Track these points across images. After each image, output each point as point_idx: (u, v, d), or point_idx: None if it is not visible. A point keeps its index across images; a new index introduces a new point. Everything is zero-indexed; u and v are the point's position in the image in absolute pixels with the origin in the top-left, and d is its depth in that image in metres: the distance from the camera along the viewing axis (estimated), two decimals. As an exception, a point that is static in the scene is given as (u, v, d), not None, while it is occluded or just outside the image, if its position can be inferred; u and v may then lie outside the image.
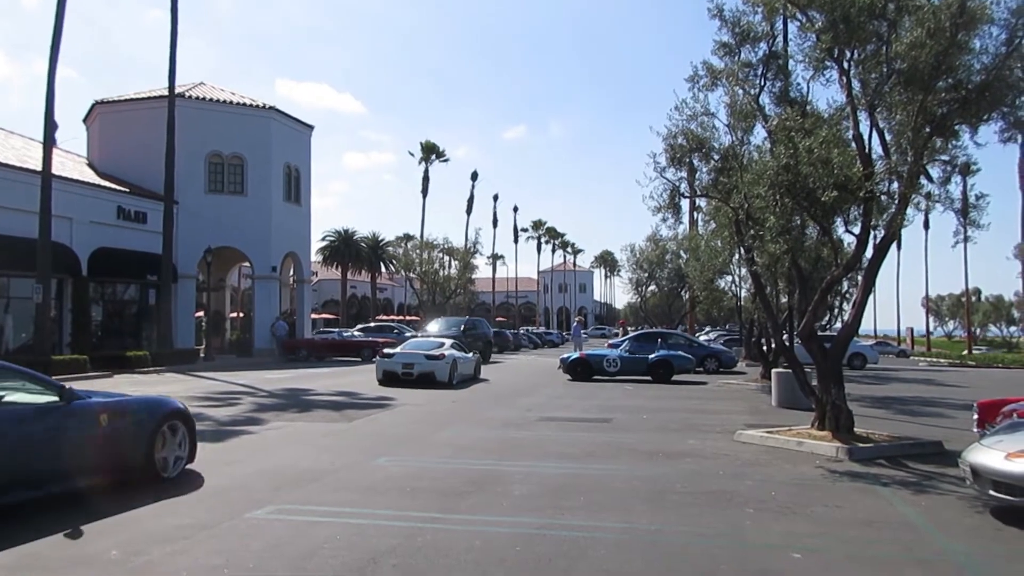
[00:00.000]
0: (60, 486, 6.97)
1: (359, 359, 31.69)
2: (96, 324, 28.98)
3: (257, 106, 35.78)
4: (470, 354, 23.52)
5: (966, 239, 12.77)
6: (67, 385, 7.29)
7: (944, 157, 11.09)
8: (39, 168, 22.75)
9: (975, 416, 10.15)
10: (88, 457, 7.24)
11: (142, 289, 31.57)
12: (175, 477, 8.06)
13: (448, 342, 22.79)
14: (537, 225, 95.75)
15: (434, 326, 33.60)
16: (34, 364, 20.26)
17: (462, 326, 32.57)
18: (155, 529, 6.28)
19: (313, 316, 45.95)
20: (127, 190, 30.86)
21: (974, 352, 54.13)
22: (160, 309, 28.71)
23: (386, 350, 22.06)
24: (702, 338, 39.59)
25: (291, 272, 40.38)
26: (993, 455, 6.96)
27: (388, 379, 20.60)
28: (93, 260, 28.06)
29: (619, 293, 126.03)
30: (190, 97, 33.38)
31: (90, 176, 31.10)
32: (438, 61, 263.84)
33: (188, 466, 8.34)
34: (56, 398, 7.05)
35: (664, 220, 13.43)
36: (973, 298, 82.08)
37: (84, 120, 36.69)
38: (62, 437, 6.97)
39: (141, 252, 29.89)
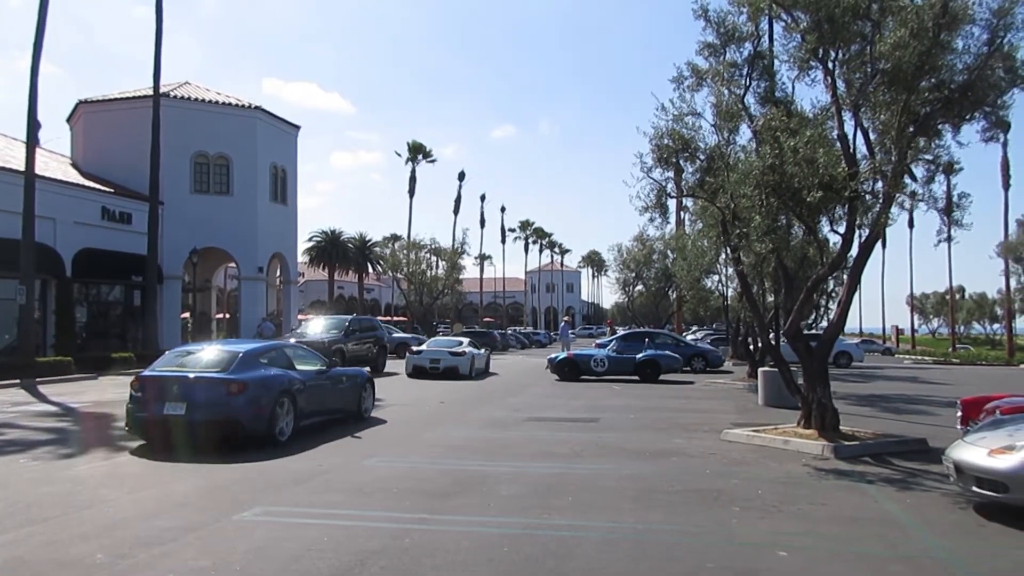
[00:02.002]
0: (328, 417, 12.05)
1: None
2: (81, 325, 28.72)
3: (243, 106, 35.55)
4: (481, 351, 26.36)
5: (949, 238, 12.91)
6: (331, 359, 13.47)
7: (928, 156, 11.21)
8: (22, 168, 22.49)
9: (959, 413, 10.25)
10: (338, 401, 12.48)
11: (127, 290, 31.32)
12: (367, 418, 13.23)
13: (465, 340, 26.20)
14: (524, 225, 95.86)
15: (316, 326, 26.03)
16: (18, 366, 20.38)
17: (346, 324, 25.34)
18: (141, 531, 6.23)
19: (300, 317, 45.70)
20: (111, 190, 30.59)
21: (958, 350, 54.58)
22: (145, 310, 28.45)
23: (414, 347, 24.81)
24: (689, 337, 39.74)
25: (277, 273, 40.18)
26: (976, 452, 7.04)
27: (417, 373, 23.42)
28: (77, 261, 27.82)
29: (607, 293, 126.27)
30: (175, 97, 33.11)
31: (74, 176, 30.80)
32: (426, 60, 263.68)
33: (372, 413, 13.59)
34: (324, 367, 12.20)
35: (651, 220, 13.52)
36: (957, 296, 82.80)
37: (68, 120, 36.32)
38: (328, 388, 12.10)
39: (126, 253, 29.63)
